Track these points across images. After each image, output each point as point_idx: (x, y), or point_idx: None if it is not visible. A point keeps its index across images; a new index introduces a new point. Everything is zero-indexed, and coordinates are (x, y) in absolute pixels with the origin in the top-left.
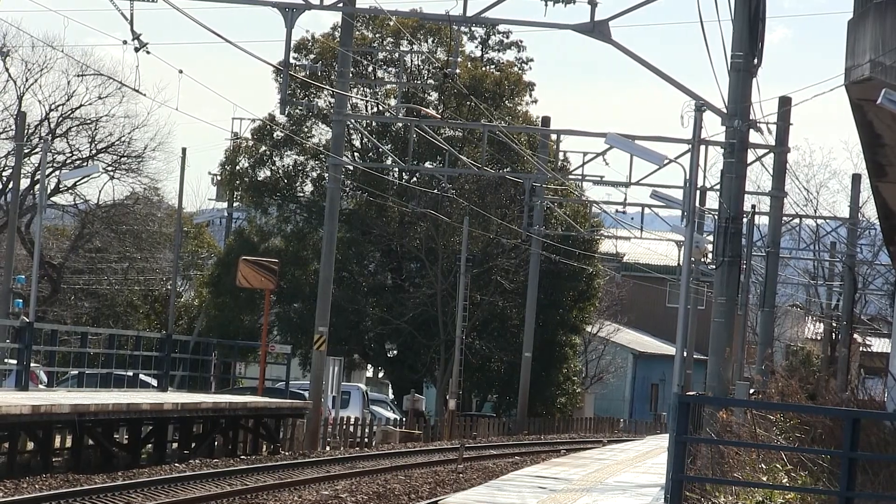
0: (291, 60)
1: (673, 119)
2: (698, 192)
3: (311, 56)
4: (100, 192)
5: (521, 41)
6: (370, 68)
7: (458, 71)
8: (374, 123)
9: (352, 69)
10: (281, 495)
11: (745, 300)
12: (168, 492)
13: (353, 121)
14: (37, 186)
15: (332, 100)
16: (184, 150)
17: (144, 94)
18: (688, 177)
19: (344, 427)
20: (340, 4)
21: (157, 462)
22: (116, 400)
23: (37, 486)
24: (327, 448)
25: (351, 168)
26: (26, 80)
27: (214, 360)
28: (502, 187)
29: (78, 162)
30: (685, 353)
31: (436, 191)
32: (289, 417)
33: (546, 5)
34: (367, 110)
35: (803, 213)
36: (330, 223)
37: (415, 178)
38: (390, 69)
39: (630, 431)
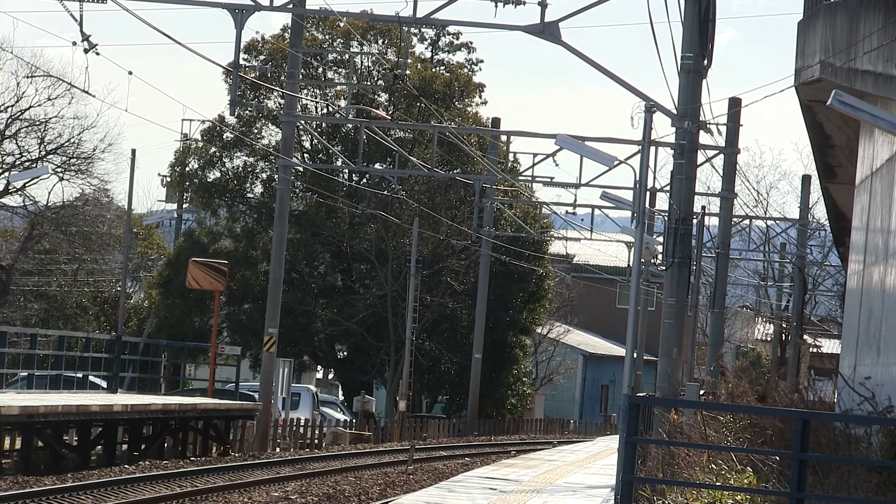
0: (241, 61)
1: (623, 120)
2: (648, 193)
3: (261, 57)
4: (49, 193)
5: (471, 42)
6: (320, 69)
7: (407, 72)
8: (324, 125)
9: (302, 70)
10: (231, 497)
11: (695, 301)
12: (118, 493)
13: (302, 122)
14: None
15: (282, 101)
16: (133, 151)
17: (94, 96)
18: (638, 178)
19: (294, 428)
20: (290, 6)
21: (106, 464)
22: (66, 402)
23: None
24: (277, 449)
25: (301, 169)
26: None
27: (164, 361)
28: (452, 188)
29: (27, 163)
30: (635, 355)
31: (386, 192)
32: (238, 419)
33: (496, 6)
34: (317, 111)
35: (753, 215)
36: (280, 224)
37: (365, 180)
38: (340, 70)
39: (580, 432)
